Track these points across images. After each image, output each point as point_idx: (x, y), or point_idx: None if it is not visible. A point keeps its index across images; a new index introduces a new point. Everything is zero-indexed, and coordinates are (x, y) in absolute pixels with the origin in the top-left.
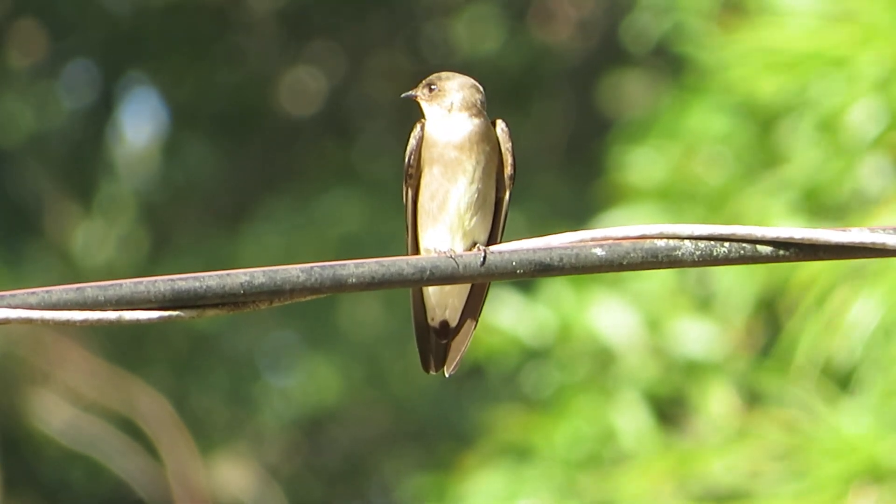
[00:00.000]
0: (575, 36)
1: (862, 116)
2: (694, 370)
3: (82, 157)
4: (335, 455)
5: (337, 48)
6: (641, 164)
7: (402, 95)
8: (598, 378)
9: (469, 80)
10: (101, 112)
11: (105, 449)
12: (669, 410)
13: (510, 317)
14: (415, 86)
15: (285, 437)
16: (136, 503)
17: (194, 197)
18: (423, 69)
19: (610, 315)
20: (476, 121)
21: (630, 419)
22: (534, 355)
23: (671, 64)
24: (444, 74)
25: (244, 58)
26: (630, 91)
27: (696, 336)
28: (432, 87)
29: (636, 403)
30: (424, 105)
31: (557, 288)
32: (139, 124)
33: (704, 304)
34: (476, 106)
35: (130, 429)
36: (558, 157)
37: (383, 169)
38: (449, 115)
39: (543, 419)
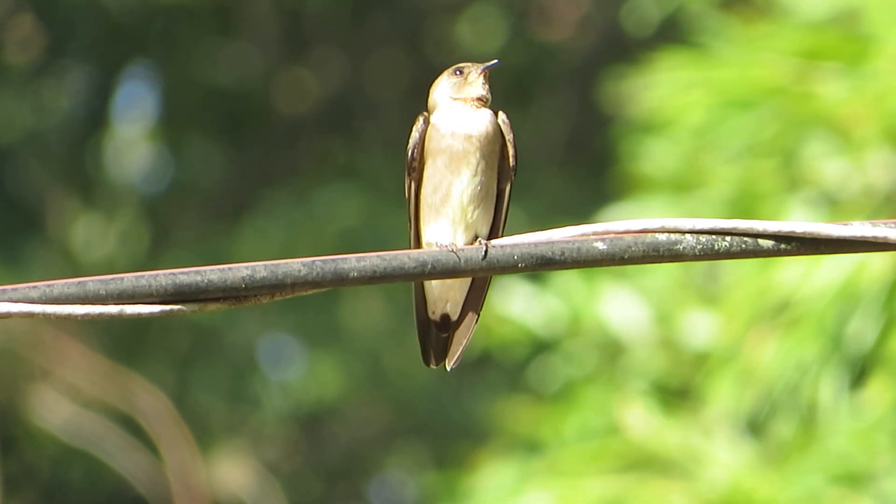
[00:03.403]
0: (575, 33)
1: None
2: (702, 362)
3: (82, 153)
4: (335, 451)
5: (338, 46)
6: (654, 154)
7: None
8: (606, 370)
9: (476, 72)
10: (101, 108)
11: (105, 446)
12: (678, 403)
13: (520, 307)
14: (434, 79)
15: (285, 433)
16: (136, 500)
17: (194, 192)
18: (425, 67)
19: (619, 307)
20: (484, 112)
21: (638, 412)
22: (543, 346)
23: (672, 55)
24: (462, 66)
25: (244, 54)
26: (631, 87)
27: (704, 328)
28: (458, 72)
29: (645, 396)
30: (443, 89)
31: (567, 279)
32: (138, 120)
33: (713, 297)
34: (484, 97)
35: (130, 425)
36: (559, 154)
37: (382, 164)
38: (463, 106)
39: (552, 411)
